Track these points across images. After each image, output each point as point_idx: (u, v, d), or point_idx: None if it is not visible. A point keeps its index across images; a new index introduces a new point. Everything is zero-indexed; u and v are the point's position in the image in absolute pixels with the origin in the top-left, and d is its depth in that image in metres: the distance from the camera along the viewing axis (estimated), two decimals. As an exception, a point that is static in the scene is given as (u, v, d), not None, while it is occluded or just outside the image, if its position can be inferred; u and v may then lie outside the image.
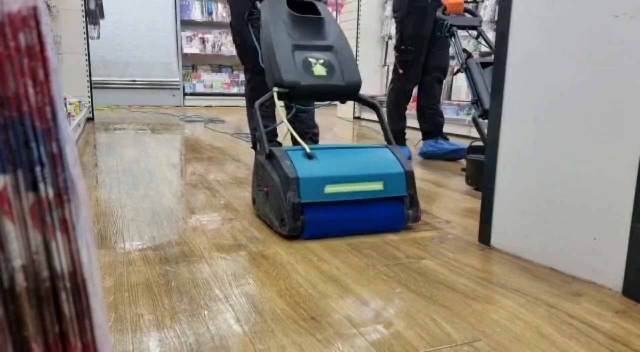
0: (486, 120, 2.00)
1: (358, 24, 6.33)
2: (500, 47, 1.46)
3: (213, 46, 8.42)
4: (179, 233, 1.62)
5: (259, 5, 1.99)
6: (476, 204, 1.95)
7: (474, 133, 4.48)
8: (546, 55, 1.35)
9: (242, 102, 9.54)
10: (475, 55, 4.86)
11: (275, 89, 1.74)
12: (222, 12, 8.49)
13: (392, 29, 6.22)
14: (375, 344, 0.97)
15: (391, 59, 6.31)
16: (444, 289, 1.23)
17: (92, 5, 5.78)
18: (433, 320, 1.07)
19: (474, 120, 2.51)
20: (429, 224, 1.79)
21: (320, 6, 1.99)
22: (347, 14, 6.57)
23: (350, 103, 6.49)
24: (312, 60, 1.83)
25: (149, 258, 1.40)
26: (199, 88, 8.30)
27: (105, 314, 0.44)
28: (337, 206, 1.60)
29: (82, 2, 5.22)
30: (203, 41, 8.36)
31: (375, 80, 6.52)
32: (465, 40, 5.04)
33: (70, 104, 3.65)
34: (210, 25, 8.45)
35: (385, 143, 1.84)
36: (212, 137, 4.23)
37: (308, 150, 1.63)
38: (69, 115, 3.52)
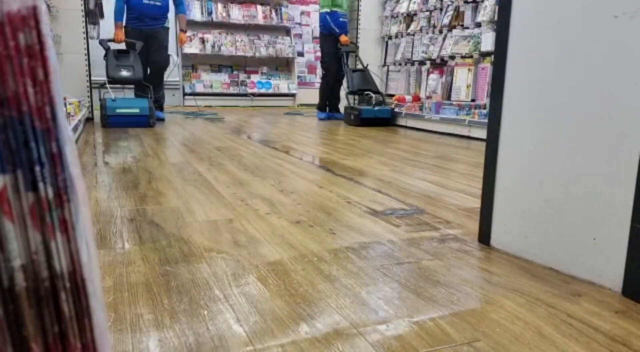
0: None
1: (358, 24, 6.33)
2: (500, 47, 1.46)
3: (213, 46, 8.42)
4: (178, 233, 1.62)
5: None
6: (476, 204, 1.95)
7: (474, 133, 4.49)
8: (546, 55, 1.35)
9: (242, 101, 9.49)
10: (475, 55, 4.86)
11: (107, 79, 4.92)
12: (222, 12, 8.49)
13: (391, 29, 6.22)
14: (375, 344, 0.97)
15: (390, 59, 6.31)
16: (444, 289, 1.23)
17: (92, 5, 5.78)
18: (433, 320, 1.07)
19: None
20: (429, 224, 1.79)
21: (130, 51, 5.08)
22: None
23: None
24: (122, 70, 4.96)
25: (149, 258, 1.40)
26: (199, 88, 8.29)
27: (105, 314, 0.44)
28: (122, 116, 4.74)
29: (82, 2, 5.22)
30: (203, 41, 8.36)
31: (374, 80, 6.51)
32: (465, 40, 5.05)
33: (69, 103, 3.65)
34: (210, 25, 8.45)
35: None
36: (213, 137, 4.23)
37: (113, 97, 4.76)
38: (68, 115, 3.52)
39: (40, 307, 0.39)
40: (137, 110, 4.82)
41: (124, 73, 4.96)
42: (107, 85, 4.81)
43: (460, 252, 1.50)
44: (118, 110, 4.72)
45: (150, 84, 5.15)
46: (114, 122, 4.71)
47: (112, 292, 1.18)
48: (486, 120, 1.75)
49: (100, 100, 4.81)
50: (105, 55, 5.00)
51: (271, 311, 1.09)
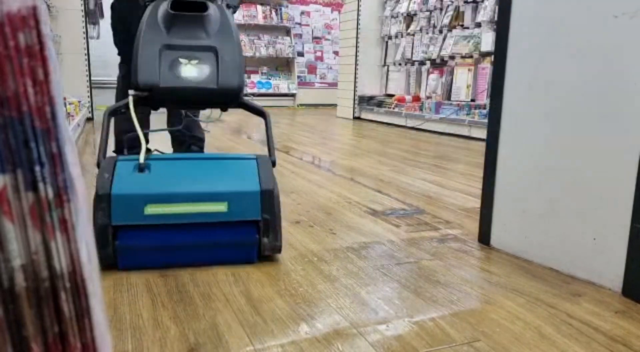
0: None
1: (358, 24, 6.33)
2: (500, 46, 1.46)
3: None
4: (178, 233, 1.62)
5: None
6: (476, 204, 1.95)
7: (474, 133, 4.48)
8: (546, 55, 1.35)
9: (242, 102, 9.38)
10: (475, 55, 4.86)
11: (132, 92, 1.46)
12: (222, 12, 8.49)
13: (391, 29, 6.22)
14: (375, 344, 0.97)
15: (390, 59, 6.31)
16: (444, 289, 1.23)
17: (92, 5, 5.78)
18: (433, 320, 1.07)
19: None
20: (429, 224, 1.79)
21: (212, 5, 1.61)
22: (347, 14, 6.57)
23: (350, 103, 6.49)
24: (182, 60, 1.50)
25: (149, 258, 1.39)
26: (199, 88, 8.28)
27: (105, 314, 0.44)
28: (163, 231, 1.28)
29: (82, 2, 5.22)
30: (203, 41, 8.36)
31: (375, 80, 6.52)
32: (465, 40, 5.05)
33: (69, 103, 3.66)
34: (210, 25, 8.43)
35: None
36: (212, 137, 4.23)
37: (142, 160, 1.32)
38: (68, 115, 3.52)
39: (40, 307, 0.39)
40: (222, 208, 1.32)
41: (192, 74, 1.52)
42: (132, 113, 1.47)
43: (460, 252, 1.50)
44: (160, 209, 1.30)
45: None
46: (134, 260, 1.32)
47: (112, 292, 1.18)
48: (486, 120, 1.75)
49: (103, 172, 1.33)
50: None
51: (271, 311, 1.09)
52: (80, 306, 0.41)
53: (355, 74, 6.40)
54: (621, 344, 0.98)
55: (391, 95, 6.05)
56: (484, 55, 4.78)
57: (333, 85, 8.71)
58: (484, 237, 1.57)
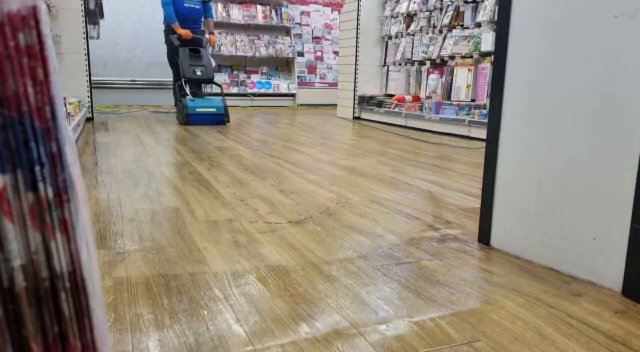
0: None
1: (358, 24, 6.33)
2: (500, 47, 1.46)
3: (213, 46, 8.42)
4: (178, 233, 1.62)
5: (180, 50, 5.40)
6: (476, 204, 1.95)
7: (474, 133, 4.48)
8: (546, 55, 1.35)
9: (242, 102, 9.48)
10: (475, 55, 4.86)
11: (184, 80, 5.35)
12: (221, 12, 8.49)
13: (391, 29, 6.22)
14: (375, 344, 0.97)
15: (390, 59, 6.31)
16: (444, 289, 1.23)
17: (92, 5, 5.77)
18: (433, 320, 1.07)
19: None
20: (429, 224, 1.79)
21: (202, 50, 5.60)
22: (347, 14, 6.57)
23: (350, 103, 6.51)
24: (195, 69, 5.39)
25: (149, 258, 1.39)
26: (199, 88, 8.27)
27: (105, 314, 0.44)
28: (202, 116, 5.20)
29: (82, 2, 5.22)
30: (203, 41, 8.34)
31: (374, 80, 6.52)
32: (465, 40, 5.04)
33: (69, 103, 3.65)
34: (210, 25, 8.42)
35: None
36: (212, 137, 4.23)
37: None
38: (68, 115, 3.52)
39: (40, 307, 0.39)
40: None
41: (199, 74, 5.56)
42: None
43: (460, 252, 1.50)
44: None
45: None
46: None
47: (112, 292, 1.18)
48: (486, 120, 1.75)
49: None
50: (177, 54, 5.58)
51: (271, 311, 1.09)
52: (80, 306, 0.41)
53: (355, 74, 6.40)
54: (621, 344, 0.98)
55: (391, 96, 6.05)
56: (484, 55, 4.78)
57: (333, 85, 8.71)
58: (484, 237, 1.57)
